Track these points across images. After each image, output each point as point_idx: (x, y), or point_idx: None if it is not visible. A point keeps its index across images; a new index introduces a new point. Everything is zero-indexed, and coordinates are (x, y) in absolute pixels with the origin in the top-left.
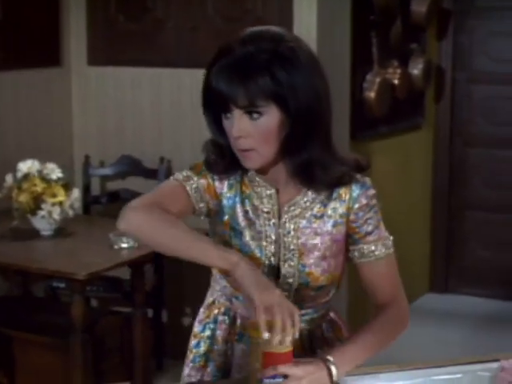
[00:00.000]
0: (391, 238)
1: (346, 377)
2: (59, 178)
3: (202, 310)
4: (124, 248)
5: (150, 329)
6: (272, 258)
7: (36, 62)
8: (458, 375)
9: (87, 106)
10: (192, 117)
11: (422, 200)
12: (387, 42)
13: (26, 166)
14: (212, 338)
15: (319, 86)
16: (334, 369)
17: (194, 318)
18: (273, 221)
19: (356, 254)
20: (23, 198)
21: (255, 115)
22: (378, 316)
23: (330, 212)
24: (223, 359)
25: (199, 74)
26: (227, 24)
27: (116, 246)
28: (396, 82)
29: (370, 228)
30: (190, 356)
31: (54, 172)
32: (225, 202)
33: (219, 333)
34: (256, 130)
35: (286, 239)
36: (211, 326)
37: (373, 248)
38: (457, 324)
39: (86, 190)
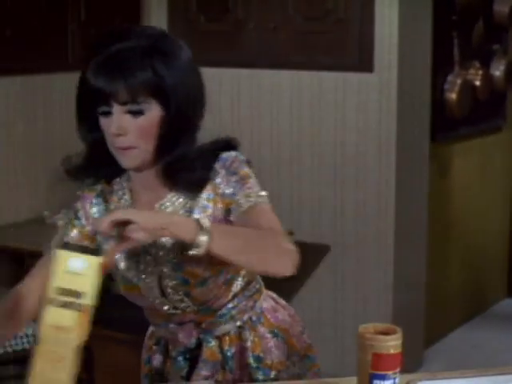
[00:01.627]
0: (262, 193)
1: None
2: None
3: (145, 338)
4: None
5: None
6: (151, 277)
7: None
8: None
9: None
10: (271, 117)
11: (502, 202)
12: (469, 43)
13: None
14: (151, 369)
15: (198, 84)
16: (204, 228)
17: None
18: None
19: (232, 211)
20: None
21: (136, 112)
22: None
23: (200, 203)
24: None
25: (279, 75)
26: (308, 24)
27: None
28: (477, 83)
29: (230, 189)
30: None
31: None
32: (99, 239)
33: (154, 363)
34: (136, 127)
35: (160, 244)
36: (149, 353)
37: (238, 202)
38: None
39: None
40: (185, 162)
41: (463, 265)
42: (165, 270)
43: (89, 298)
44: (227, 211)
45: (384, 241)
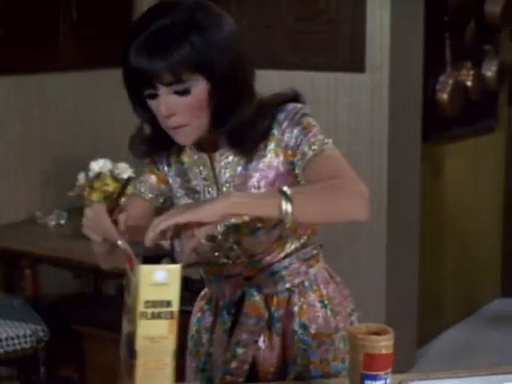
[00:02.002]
0: (327, 140)
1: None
2: (130, 178)
3: (196, 302)
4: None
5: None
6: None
7: (110, 62)
8: None
9: None
10: None
11: (495, 203)
12: (461, 43)
13: (98, 165)
14: (198, 329)
15: (238, 47)
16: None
17: None
18: (209, 183)
19: (297, 161)
20: (95, 196)
21: (182, 91)
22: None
23: (261, 152)
24: (208, 348)
25: (271, 75)
26: (300, 24)
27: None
28: (469, 83)
29: (293, 140)
30: (189, 346)
31: (126, 171)
32: (171, 181)
33: (204, 322)
34: (186, 106)
35: (220, 186)
36: (198, 314)
37: (303, 153)
38: None
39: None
40: (245, 124)
41: (456, 265)
42: None
43: (176, 304)
44: (290, 164)
45: (377, 241)
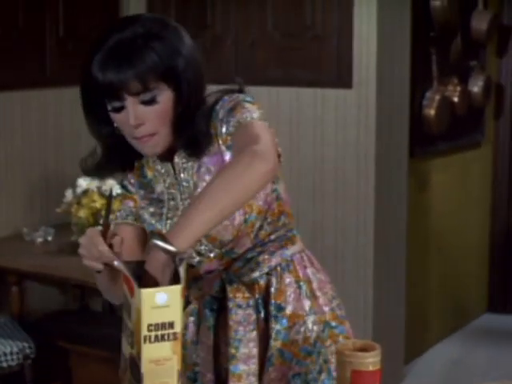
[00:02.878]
0: (254, 114)
1: None
2: (118, 194)
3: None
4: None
5: None
6: (171, 221)
7: None
8: None
9: None
10: None
11: (481, 217)
12: (447, 59)
13: (86, 181)
14: (184, 344)
15: (198, 55)
16: (169, 247)
17: None
18: (172, 190)
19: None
20: (82, 213)
21: (150, 100)
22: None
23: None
24: (195, 359)
25: (257, 91)
26: (286, 40)
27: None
28: (456, 99)
29: (225, 126)
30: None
31: (113, 188)
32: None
33: (188, 335)
34: (153, 114)
35: (183, 188)
36: (184, 331)
37: (231, 129)
38: None
39: None
40: (199, 127)
41: (443, 279)
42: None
43: (179, 325)
44: (229, 148)
45: (363, 256)
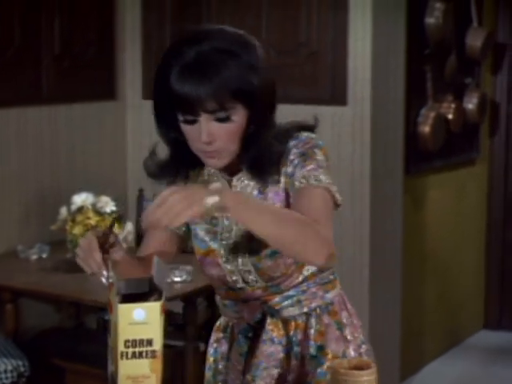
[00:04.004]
0: (325, 179)
1: None
2: (113, 211)
3: (212, 333)
4: (177, 281)
5: (202, 363)
6: (226, 242)
7: (91, 96)
8: None
9: (141, 140)
10: None
11: (477, 235)
12: (442, 76)
13: (81, 198)
14: (216, 358)
15: (272, 76)
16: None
17: None
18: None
19: (294, 184)
20: (77, 230)
21: (224, 118)
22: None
23: (276, 177)
24: (225, 376)
25: None
26: (281, 57)
27: (169, 280)
28: (450, 116)
29: (291, 169)
30: (206, 376)
31: (108, 205)
32: None
33: (220, 350)
34: (226, 132)
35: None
36: (215, 345)
37: (296, 182)
38: (511, 362)
39: (140, 223)
40: (265, 149)
41: (438, 296)
42: (237, 235)
43: (158, 343)
44: (289, 190)
45: (359, 274)
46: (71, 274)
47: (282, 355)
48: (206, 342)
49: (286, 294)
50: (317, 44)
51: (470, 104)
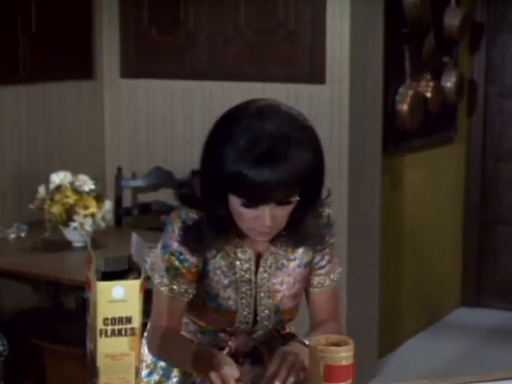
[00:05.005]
0: (339, 270)
1: None
2: (91, 190)
3: None
4: None
5: None
6: (247, 308)
7: (68, 75)
8: None
9: (119, 118)
10: None
11: (454, 214)
12: (420, 55)
13: (59, 177)
14: (167, 369)
15: (323, 154)
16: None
17: None
18: (249, 276)
19: (314, 283)
20: (55, 209)
21: (287, 203)
22: (322, 325)
23: (301, 253)
24: None
25: (230, 87)
26: (259, 36)
27: (148, 258)
28: (428, 95)
29: (323, 263)
30: None
31: (86, 184)
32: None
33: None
34: (283, 214)
35: (260, 284)
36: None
37: (321, 281)
38: (488, 339)
39: (118, 201)
40: (312, 227)
41: (416, 275)
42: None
43: (137, 320)
44: (306, 276)
45: (337, 252)
46: (49, 254)
47: None
48: None
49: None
50: (295, 23)
51: (448, 83)
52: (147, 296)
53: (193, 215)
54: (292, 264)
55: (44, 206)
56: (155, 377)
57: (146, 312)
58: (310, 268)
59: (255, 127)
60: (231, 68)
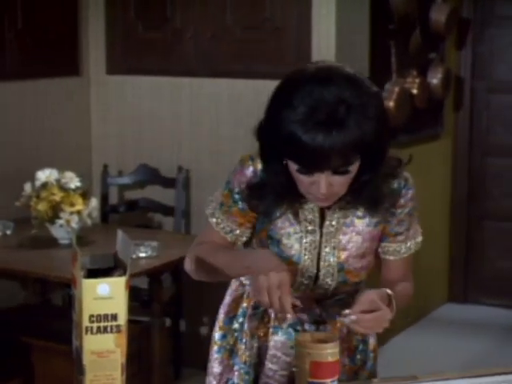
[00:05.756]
0: (419, 239)
1: None
2: (77, 187)
3: (227, 300)
4: (142, 257)
5: (168, 338)
6: (310, 261)
7: (55, 71)
8: None
9: (106, 115)
10: (210, 126)
11: (441, 209)
12: (406, 51)
13: (45, 174)
14: (240, 331)
15: (388, 122)
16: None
17: (212, 327)
18: (313, 227)
19: (380, 249)
20: (42, 206)
21: (344, 171)
22: (399, 283)
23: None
24: (249, 353)
25: (217, 83)
26: (246, 33)
27: (134, 256)
28: (415, 91)
29: (401, 229)
30: (215, 347)
31: (73, 181)
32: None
33: (247, 326)
34: (341, 183)
35: (326, 239)
36: (240, 319)
37: (398, 248)
38: (476, 334)
39: (104, 198)
40: (378, 194)
41: None
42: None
43: (123, 318)
44: (379, 237)
45: None
46: (36, 251)
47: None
48: (171, 318)
49: (337, 297)
50: (281, 20)
51: (435, 79)
52: (132, 293)
53: (259, 168)
54: (361, 222)
55: (30, 204)
56: (229, 339)
57: (131, 309)
58: (382, 228)
59: (314, 93)
60: (218, 64)
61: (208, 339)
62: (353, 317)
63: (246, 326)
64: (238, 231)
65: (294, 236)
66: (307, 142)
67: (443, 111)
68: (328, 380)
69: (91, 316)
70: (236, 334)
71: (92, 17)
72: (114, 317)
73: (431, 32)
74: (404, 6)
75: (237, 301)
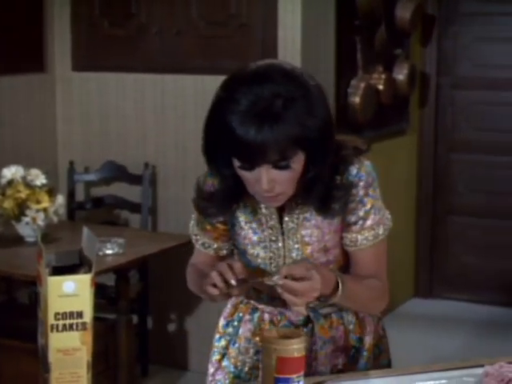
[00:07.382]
0: (381, 230)
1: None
2: (43, 184)
3: (228, 306)
4: (109, 254)
5: (134, 335)
6: (275, 261)
7: (20, 68)
8: (443, 381)
9: (71, 112)
10: (176, 122)
11: (407, 205)
12: (372, 47)
13: (10, 172)
14: (233, 335)
15: (331, 116)
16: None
17: (179, 324)
18: (274, 222)
19: (347, 241)
20: (7, 204)
21: (284, 166)
22: (366, 278)
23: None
24: (242, 357)
25: (182, 80)
26: (211, 28)
27: (101, 253)
28: (381, 87)
29: (354, 218)
30: (213, 349)
31: (38, 178)
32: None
33: (241, 331)
34: (286, 179)
35: (288, 235)
36: (235, 323)
37: (353, 239)
38: (441, 329)
39: (71, 195)
40: (328, 188)
41: None
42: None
43: (88, 315)
44: (340, 230)
45: None
46: (2, 249)
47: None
48: (138, 315)
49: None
50: (247, 15)
51: (400, 75)
52: (98, 290)
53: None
54: (320, 215)
55: None
56: (222, 342)
57: (97, 306)
58: (341, 219)
59: (253, 89)
60: (183, 60)
61: (175, 336)
62: (279, 280)
63: (240, 330)
64: (215, 245)
65: (259, 245)
66: (241, 134)
67: (409, 107)
68: (294, 375)
69: (57, 314)
70: (228, 338)
71: (57, 13)
72: (80, 314)
73: (396, 28)
74: (369, 2)
75: (236, 306)
